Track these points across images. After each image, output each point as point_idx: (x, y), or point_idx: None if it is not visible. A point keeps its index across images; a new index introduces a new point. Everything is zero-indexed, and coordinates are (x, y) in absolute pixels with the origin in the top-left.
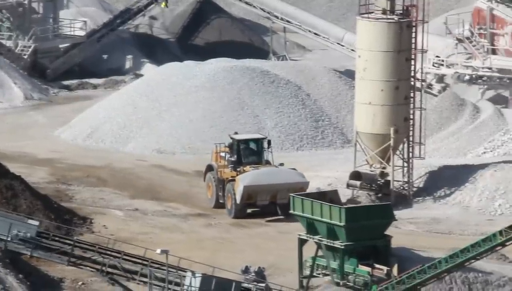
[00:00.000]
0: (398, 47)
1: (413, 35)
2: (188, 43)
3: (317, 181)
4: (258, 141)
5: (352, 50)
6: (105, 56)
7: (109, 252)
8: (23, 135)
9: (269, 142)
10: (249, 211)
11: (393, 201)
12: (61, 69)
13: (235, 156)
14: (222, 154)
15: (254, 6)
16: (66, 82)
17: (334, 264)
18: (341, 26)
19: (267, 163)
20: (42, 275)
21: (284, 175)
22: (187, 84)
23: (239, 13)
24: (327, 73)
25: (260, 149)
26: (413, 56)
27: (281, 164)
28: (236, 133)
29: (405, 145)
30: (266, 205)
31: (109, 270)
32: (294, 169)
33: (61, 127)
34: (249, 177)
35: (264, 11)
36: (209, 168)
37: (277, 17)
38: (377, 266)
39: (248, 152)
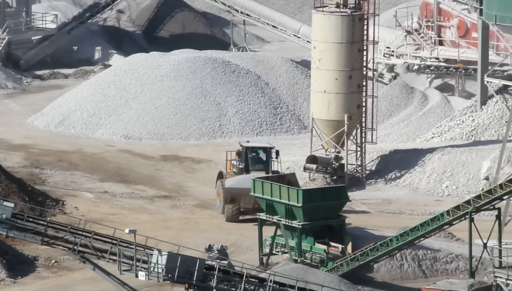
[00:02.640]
0: (351, 39)
1: (365, 27)
2: (153, 35)
3: (276, 164)
4: (265, 150)
5: (308, 41)
6: (75, 48)
7: (80, 232)
8: None
9: (277, 152)
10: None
11: (347, 183)
12: (34, 60)
13: (243, 163)
14: (234, 162)
15: (215, 0)
16: (38, 72)
17: (292, 243)
18: (298, 19)
19: (275, 172)
20: (17, 253)
21: None
22: (152, 74)
23: (201, 7)
24: (284, 64)
25: (267, 157)
26: (365, 47)
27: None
28: (248, 141)
29: (358, 131)
30: (250, 210)
31: (81, 249)
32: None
33: (34, 114)
34: (233, 180)
35: (225, 5)
36: (220, 175)
37: (237, 10)
38: (332, 244)
39: (254, 160)
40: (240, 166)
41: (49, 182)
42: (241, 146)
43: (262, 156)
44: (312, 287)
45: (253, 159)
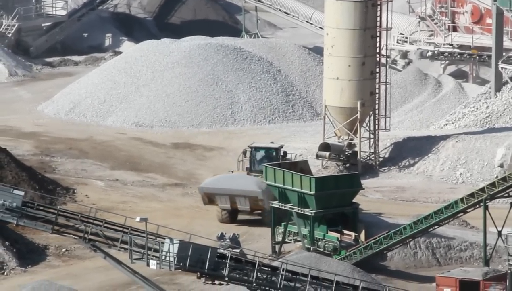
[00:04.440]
0: (364, 25)
1: (378, 13)
2: (164, 22)
3: (288, 152)
4: (270, 150)
5: (321, 28)
6: (85, 35)
7: (91, 220)
8: (8, 110)
9: (284, 153)
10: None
11: (360, 170)
12: (44, 47)
13: (250, 164)
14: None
15: None
16: (48, 59)
17: (305, 231)
18: (310, 5)
19: None
20: (28, 242)
21: (241, 182)
22: (163, 61)
23: None
24: (297, 50)
25: (273, 158)
26: (378, 34)
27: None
28: (253, 143)
29: (371, 118)
30: (231, 210)
31: (91, 237)
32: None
33: (44, 102)
34: (209, 180)
35: None
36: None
37: None
38: (345, 232)
39: (260, 160)
40: (247, 166)
41: (60, 170)
42: (249, 147)
43: (266, 155)
44: (325, 276)
45: (258, 159)
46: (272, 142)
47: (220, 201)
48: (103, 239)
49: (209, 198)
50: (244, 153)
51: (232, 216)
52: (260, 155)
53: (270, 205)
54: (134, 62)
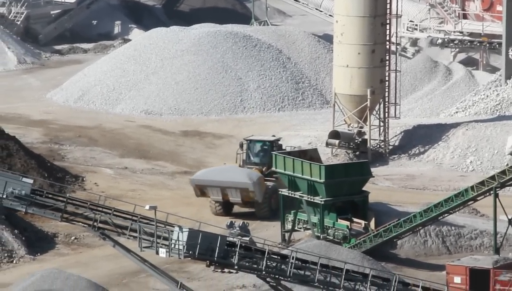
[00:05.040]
0: (374, 13)
1: (388, 1)
2: (173, 9)
3: (298, 139)
4: (266, 143)
5: (330, 15)
6: (94, 22)
7: (100, 208)
8: (17, 97)
9: (280, 146)
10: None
11: (370, 158)
12: (53, 34)
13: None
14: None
15: None
16: (57, 47)
17: (315, 219)
18: None
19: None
20: (37, 230)
21: (232, 175)
22: (173, 48)
23: None
24: (306, 38)
25: (267, 151)
26: (388, 21)
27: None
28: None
29: (381, 105)
30: (223, 203)
31: (101, 225)
32: (256, 168)
33: (53, 90)
34: (201, 172)
35: None
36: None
37: None
38: (355, 220)
39: (254, 153)
40: (243, 159)
41: (69, 158)
42: (245, 140)
43: (260, 148)
44: (335, 264)
45: (252, 152)
46: (273, 135)
47: (211, 193)
48: (112, 227)
49: (201, 190)
50: (241, 145)
51: (225, 208)
52: (255, 147)
53: (280, 192)
54: (143, 49)
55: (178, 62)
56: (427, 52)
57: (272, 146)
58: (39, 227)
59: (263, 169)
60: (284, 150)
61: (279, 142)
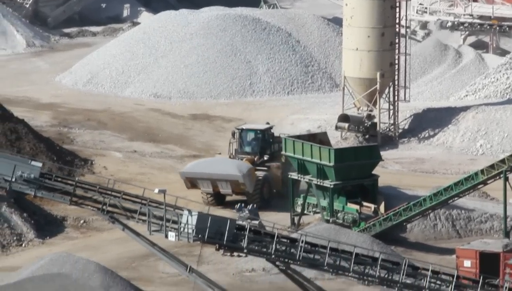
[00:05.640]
0: None
1: None
2: None
3: (307, 123)
4: (257, 131)
5: None
6: (103, 5)
7: (109, 192)
8: (26, 80)
9: (272, 135)
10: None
11: (379, 142)
12: (62, 17)
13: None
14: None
15: None
16: (66, 30)
17: (324, 203)
18: None
19: (273, 155)
20: (46, 214)
21: (222, 167)
22: (182, 31)
23: None
24: (316, 21)
25: (259, 140)
26: (397, 4)
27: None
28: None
29: (391, 89)
30: (215, 194)
31: (110, 209)
32: (247, 160)
33: (62, 73)
34: (190, 165)
35: None
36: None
37: None
38: (365, 204)
39: (246, 142)
40: (235, 148)
41: (78, 141)
42: (236, 129)
43: (252, 138)
44: (344, 248)
45: (243, 141)
46: (267, 123)
47: (202, 185)
48: (121, 210)
49: (191, 183)
50: (233, 134)
51: (217, 199)
52: (247, 136)
53: (289, 175)
54: (152, 33)
55: (187, 45)
56: (436, 35)
57: (264, 135)
58: (48, 211)
59: (255, 158)
60: (278, 137)
61: (272, 130)
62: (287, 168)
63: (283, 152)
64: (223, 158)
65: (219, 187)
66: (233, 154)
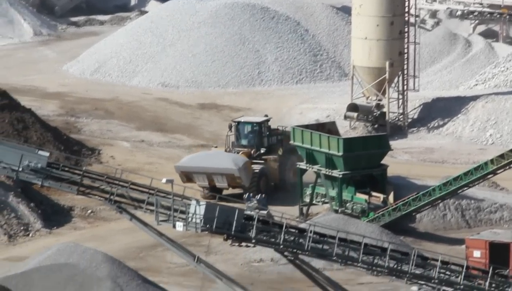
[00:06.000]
0: None
1: None
2: None
3: (316, 112)
4: (254, 124)
5: None
6: None
7: (117, 182)
8: (33, 69)
9: (269, 127)
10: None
11: (388, 131)
12: (69, 6)
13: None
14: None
15: None
16: (73, 19)
17: (333, 192)
18: None
19: (270, 148)
20: (53, 203)
21: (218, 160)
22: (190, 20)
23: None
24: (324, 10)
25: (256, 132)
26: None
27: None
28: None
29: (400, 78)
30: (211, 188)
31: (117, 198)
32: (241, 153)
33: (69, 62)
34: (186, 159)
35: None
36: None
37: None
38: (374, 194)
39: (243, 135)
40: (232, 141)
41: (85, 131)
42: (233, 121)
43: (252, 130)
44: (353, 238)
45: (240, 134)
46: (266, 115)
47: (197, 179)
48: (129, 200)
49: (187, 177)
50: (230, 127)
51: (214, 192)
52: (244, 129)
53: (298, 165)
54: (160, 21)
55: (195, 34)
56: (446, 24)
57: (261, 128)
58: (55, 200)
59: (252, 152)
60: (277, 129)
61: (269, 123)
62: (284, 160)
63: (291, 141)
64: (219, 151)
65: (214, 180)
66: (230, 147)
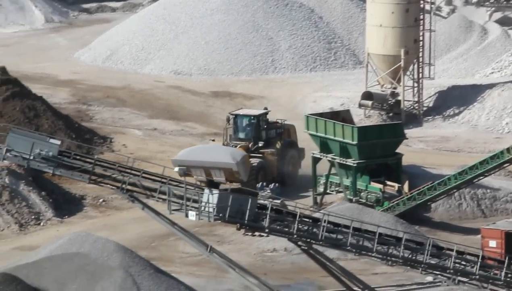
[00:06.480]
0: None
1: None
2: None
3: (330, 101)
4: (251, 117)
5: None
6: None
7: (128, 170)
8: (44, 57)
9: (267, 120)
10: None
11: (403, 120)
12: None
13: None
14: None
15: None
16: (85, 6)
17: (347, 182)
18: None
19: (268, 141)
20: (64, 192)
21: (215, 154)
22: (203, 7)
23: None
24: None
25: (253, 126)
26: None
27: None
28: (241, 108)
29: (415, 66)
30: (208, 181)
31: (129, 187)
32: (239, 146)
33: (81, 49)
34: (183, 152)
35: None
36: None
37: None
38: (388, 183)
39: (240, 128)
40: (230, 134)
41: (97, 119)
42: (230, 114)
43: (250, 124)
44: (367, 227)
45: (237, 127)
46: (265, 108)
47: (195, 173)
48: (141, 189)
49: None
50: (228, 120)
51: (212, 186)
52: (242, 122)
53: (312, 154)
54: (172, 8)
55: (208, 21)
56: (462, 11)
57: (258, 121)
58: (66, 189)
59: (249, 145)
60: (276, 122)
61: (267, 116)
62: (283, 154)
63: (305, 130)
64: (216, 145)
65: (212, 175)
66: (227, 141)
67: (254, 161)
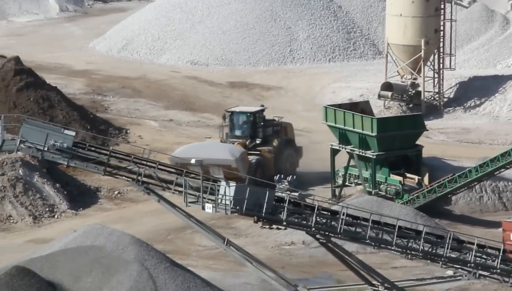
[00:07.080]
0: None
1: None
2: None
3: (349, 91)
4: (248, 114)
5: None
6: None
7: (144, 162)
8: (58, 46)
9: (263, 117)
10: None
11: (424, 111)
12: None
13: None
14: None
15: None
16: None
17: (366, 174)
18: None
19: (265, 138)
20: (79, 184)
21: (213, 151)
22: None
23: None
24: None
25: (250, 123)
26: None
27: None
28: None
29: (436, 56)
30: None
31: (145, 179)
32: (237, 143)
33: (96, 39)
34: (181, 149)
35: None
36: None
37: None
38: (408, 175)
39: (237, 125)
40: (226, 132)
41: (112, 110)
42: (227, 111)
43: (247, 121)
44: (387, 220)
45: (233, 125)
46: (262, 105)
47: (193, 170)
48: (157, 181)
49: (181, 166)
50: (224, 117)
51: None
52: (238, 119)
53: (331, 145)
54: None
55: (225, 10)
56: (483, 1)
57: (255, 118)
58: (81, 181)
59: (247, 142)
60: (273, 120)
61: (264, 113)
62: (280, 152)
63: (323, 121)
64: (214, 141)
65: (210, 172)
66: (224, 138)
67: (252, 158)
